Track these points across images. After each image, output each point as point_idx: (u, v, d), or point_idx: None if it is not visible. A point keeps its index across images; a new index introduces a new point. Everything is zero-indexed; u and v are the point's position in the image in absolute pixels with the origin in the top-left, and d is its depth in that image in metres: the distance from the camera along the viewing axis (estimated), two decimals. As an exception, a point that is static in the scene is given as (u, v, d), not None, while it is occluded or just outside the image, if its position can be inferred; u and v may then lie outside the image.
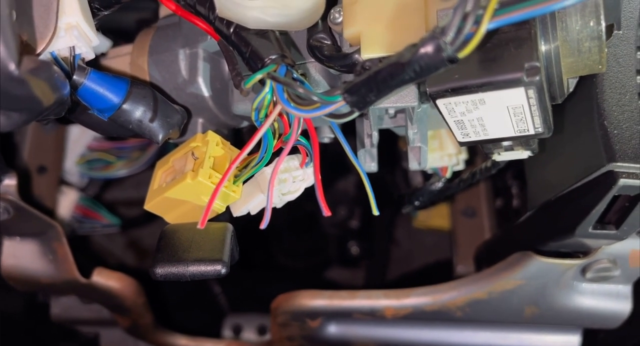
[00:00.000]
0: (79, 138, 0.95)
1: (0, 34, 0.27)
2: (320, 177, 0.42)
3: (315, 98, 0.33)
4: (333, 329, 0.73)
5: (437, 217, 1.06)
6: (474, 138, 0.45)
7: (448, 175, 0.65)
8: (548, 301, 0.63)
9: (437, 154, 0.64)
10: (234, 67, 0.41)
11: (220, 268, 0.42)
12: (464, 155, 0.66)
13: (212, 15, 0.39)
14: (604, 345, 0.72)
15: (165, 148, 1.13)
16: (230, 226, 0.47)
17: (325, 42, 0.43)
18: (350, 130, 0.56)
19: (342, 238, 1.19)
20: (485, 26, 0.29)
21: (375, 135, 0.49)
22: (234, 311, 1.19)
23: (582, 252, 0.59)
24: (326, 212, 0.37)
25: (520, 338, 0.73)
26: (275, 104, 0.38)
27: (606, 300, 0.64)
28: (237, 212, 0.49)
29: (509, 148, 0.48)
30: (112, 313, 0.74)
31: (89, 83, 0.42)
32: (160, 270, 0.41)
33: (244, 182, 0.48)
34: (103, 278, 0.69)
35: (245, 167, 0.47)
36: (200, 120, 0.54)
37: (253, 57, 0.37)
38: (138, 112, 0.44)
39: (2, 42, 0.27)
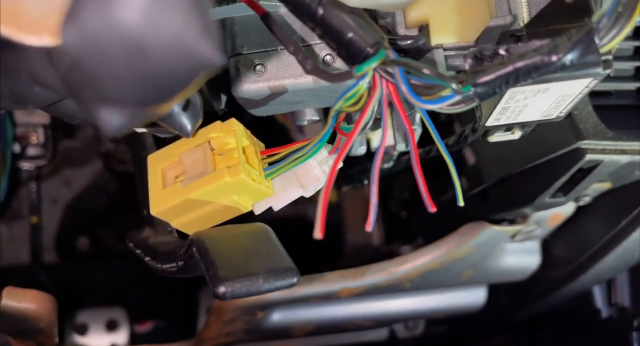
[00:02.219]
0: None
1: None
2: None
3: (454, 86, 0.31)
4: (276, 317, 0.70)
5: (321, 190, 1.07)
6: (502, 122, 0.46)
7: (396, 153, 0.67)
8: (484, 264, 0.70)
9: (388, 132, 0.64)
10: (297, 47, 0.36)
11: (293, 278, 0.37)
12: (408, 133, 0.67)
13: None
14: (505, 296, 0.82)
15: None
16: (268, 228, 0.42)
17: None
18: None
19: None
20: (635, 19, 0.31)
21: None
22: (72, 309, 1.07)
23: (518, 217, 0.67)
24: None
25: (437, 299, 0.79)
26: (370, 93, 0.34)
27: (522, 257, 0.73)
28: (260, 209, 0.43)
29: (508, 130, 0.51)
30: (14, 339, 0.60)
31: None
32: (228, 289, 0.35)
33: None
34: (15, 299, 0.55)
35: (279, 160, 0.42)
36: (188, 104, 0.46)
37: (357, 41, 0.33)
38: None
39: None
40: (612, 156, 0.55)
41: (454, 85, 0.31)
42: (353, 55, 0.33)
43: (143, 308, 1.11)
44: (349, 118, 0.42)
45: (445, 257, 0.66)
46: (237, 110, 0.49)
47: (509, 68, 0.32)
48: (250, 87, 0.44)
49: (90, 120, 0.32)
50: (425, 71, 0.31)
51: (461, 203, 0.40)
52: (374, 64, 0.32)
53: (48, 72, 0.28)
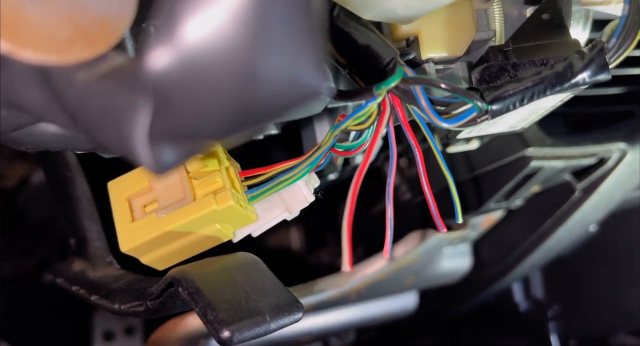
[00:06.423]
0: None
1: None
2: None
3: (480, 103, 0.30)
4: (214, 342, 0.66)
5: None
6: (473, 134, 0.47)
7: (340, 163, 0.65)
8: (425, 270, 0.71)
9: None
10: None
11: (299, 312, 0.34)
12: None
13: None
14: (435, 299, 0.84)
15: None
16: (256, 257, 0.38)
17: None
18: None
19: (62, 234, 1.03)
20: (637, 39, 0.32)
21: None
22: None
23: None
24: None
25: (373, 308, 0.79)
26: (381, 112, 0.32)
27: (456, 259, 0.75)
28: (240, 236, 0.40)
29: (468, 140, 0.52)
30: None
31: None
32: (235, 333, 0.31)
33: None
34: None
35: (261, 182, 0.39)
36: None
37: (372, 56, 0.30)
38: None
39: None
40: (550, 162, 0.58)
41: (479, 103, 0.30)
42: (368, 72, 0.31)
43: (24, 341, 1.00)
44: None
45: (393, 266, 0.65)
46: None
47: (528, 84, 0.31)
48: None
49: (79, 147, 0.26)
50: (449, 87, 0.30)
51: (460, 220, 0.39)
52: (393, 82, 0.30)
53: (33, 95, 0.23)
